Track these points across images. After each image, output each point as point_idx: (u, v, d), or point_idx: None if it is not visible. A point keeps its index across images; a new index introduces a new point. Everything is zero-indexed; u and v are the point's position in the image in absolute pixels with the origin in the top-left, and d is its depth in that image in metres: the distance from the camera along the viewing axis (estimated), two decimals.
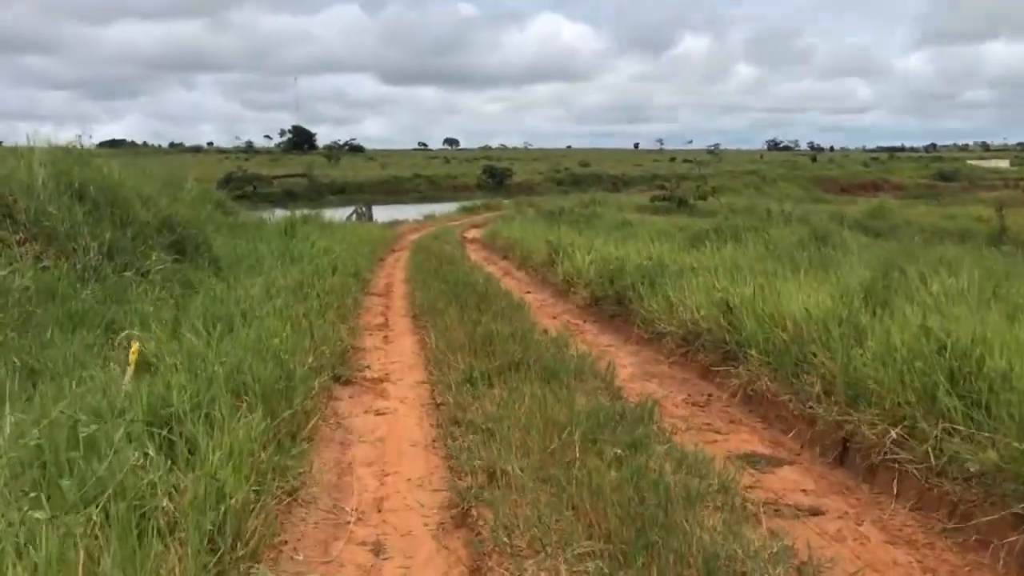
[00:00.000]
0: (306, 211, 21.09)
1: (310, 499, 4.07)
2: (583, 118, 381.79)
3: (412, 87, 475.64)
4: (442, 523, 3.86)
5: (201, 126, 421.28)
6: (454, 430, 4.94)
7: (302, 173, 60.70)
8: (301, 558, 3.46)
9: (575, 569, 3.06)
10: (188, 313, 6.46)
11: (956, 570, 3.42)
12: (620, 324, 8.69)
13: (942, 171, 73.89)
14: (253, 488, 3.51)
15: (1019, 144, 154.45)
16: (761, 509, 3.79)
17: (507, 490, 3.79)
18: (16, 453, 3.17)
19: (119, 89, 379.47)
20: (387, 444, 5.09)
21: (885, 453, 4.21)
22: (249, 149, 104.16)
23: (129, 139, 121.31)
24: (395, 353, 7.73)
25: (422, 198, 53.90)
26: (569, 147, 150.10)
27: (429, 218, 32.06)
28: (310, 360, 5.87)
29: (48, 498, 2.88)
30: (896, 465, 4.13)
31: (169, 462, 3.42)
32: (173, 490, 3.18)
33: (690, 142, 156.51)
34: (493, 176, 64.53)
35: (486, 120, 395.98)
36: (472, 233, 23.87)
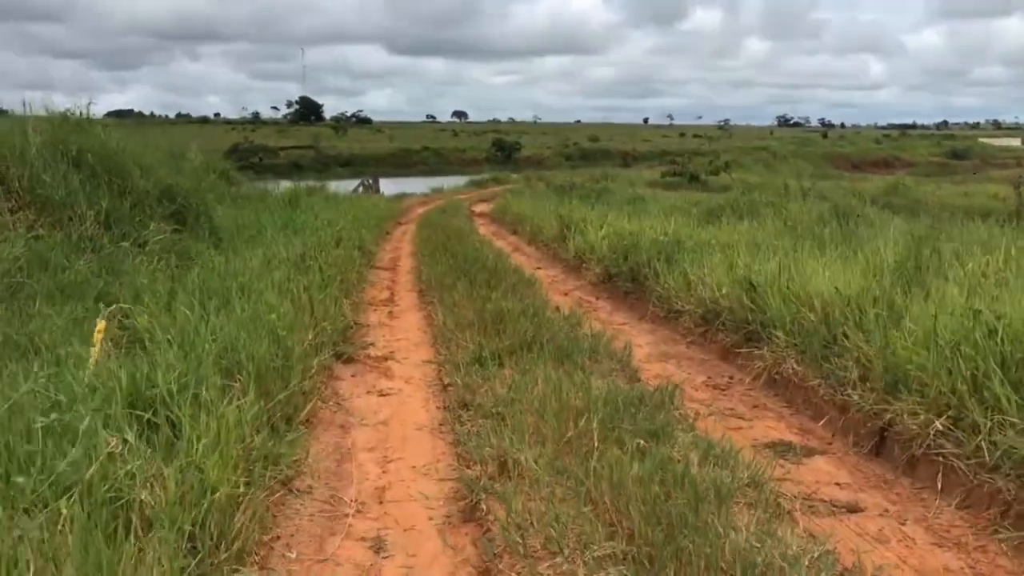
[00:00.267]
0: (312, 183, 20.79)
1: (305, 489, 3.77)
2: (592, 92, 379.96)
3: (420, 58, 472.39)
4: (448, 517, 3.56)
5: (208, 97, 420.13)
6: (462, 413, 4.67)
7: (309, 145, 60.40)
8: (294, 556, 3.17)
9: (595, 574, 2.77)
10: (185, 286, 6.16)
11: None
12: (634, 302, 8.37)
13: (954, 149, 72.96)
14: (243, 478, 3.22)
15: None
16: (796, 506, 3.49)
17: (520, 482, 3.49)
18: None
19: (128, 59, 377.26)
20: (390, 427, 4.80)
21: (928, 445, 3.89)
22: (256, 120, 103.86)
23: (137, 110, 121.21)
24: (401, 330, 7.43)
25: (430, 171, 53.39)
26: (578, 121, 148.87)
27: (437, 191, 31.51)
28: (310, 337, 5.57)
29: None
30: (940, 458, 3.81)
31: (150, 450, 3.12)
32: (153, 481, 2.88)
33: (700, 117, 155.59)
34: (502, 150, 64.10)
35: (495, 92, 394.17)
36: (481, 207, 23.45)
